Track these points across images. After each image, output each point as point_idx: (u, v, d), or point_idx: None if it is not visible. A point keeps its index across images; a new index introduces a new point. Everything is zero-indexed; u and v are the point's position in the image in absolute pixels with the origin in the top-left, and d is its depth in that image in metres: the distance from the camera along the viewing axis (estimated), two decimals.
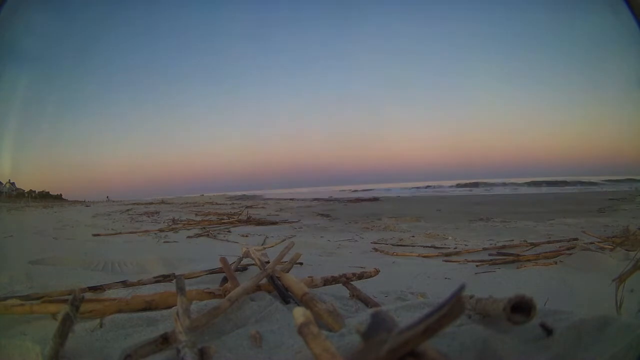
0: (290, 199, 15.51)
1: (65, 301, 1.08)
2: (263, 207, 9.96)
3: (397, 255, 3.18)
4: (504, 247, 3.29)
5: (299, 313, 0.63)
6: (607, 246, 2.84)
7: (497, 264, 2.66)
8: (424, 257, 3.07)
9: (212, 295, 1.30)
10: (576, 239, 3.36)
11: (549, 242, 3.30)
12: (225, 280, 1.60)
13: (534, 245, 3.18)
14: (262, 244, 3.40)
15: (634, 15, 1.18)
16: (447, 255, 3.09)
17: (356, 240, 4.13)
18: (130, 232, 5.11)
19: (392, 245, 3.71)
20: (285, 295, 1.29)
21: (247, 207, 9.33)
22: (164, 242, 4.19)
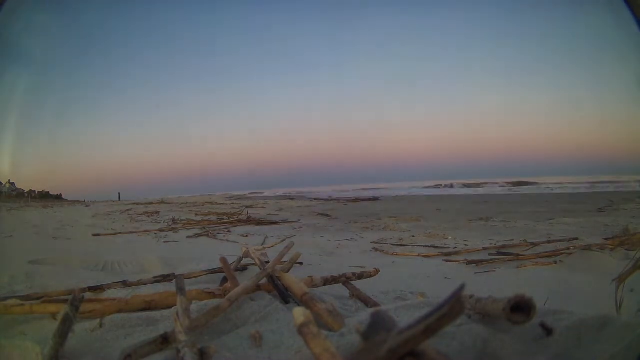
0: (290, 199, 15.51)
1: (65, 301, 1.08)
2: (263, 207, 9.96)
3: (397, 254, 3.18)
4: (503, 246, 3.29)
5: (299, 313, 0.63)
6: (608, 246, 2.84)
7: (497, 263, 2.66)
8: (424, 256, 3.07)
9: (212, 295, 1.30)
10: (576, 239, 3.36)
11: (549, 242, 3.31)
12: (225, 280, 1.60)
13: (533, 245, 3.18)
14: (262, 244, 3.40)
15: (634, 15, 1.18)
16: (447, 255, 3.09)
17: (356, 240, 4.13)
18: (130, 232, 5.11)
19: (392, 244, 3.71)
20: (285, 295, 1.29)
21: (246, 207, 9.33)
22: (164, 242, 4.19)
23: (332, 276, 1.55)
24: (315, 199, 14.68)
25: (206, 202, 12.38)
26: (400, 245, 3.69)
